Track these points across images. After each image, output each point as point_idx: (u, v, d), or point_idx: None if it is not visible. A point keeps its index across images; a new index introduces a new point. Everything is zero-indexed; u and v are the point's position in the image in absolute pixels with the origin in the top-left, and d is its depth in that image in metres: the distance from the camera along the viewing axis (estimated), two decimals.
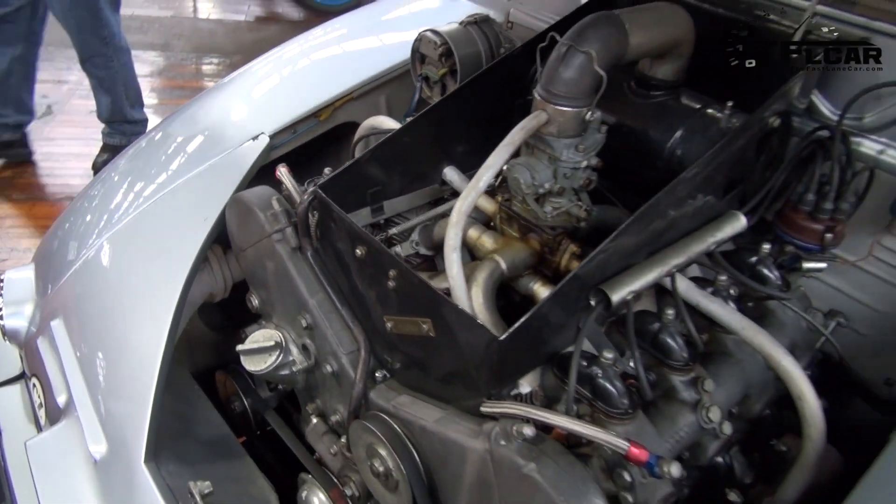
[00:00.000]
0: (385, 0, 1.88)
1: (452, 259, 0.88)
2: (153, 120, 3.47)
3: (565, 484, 0.71)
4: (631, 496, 0.78)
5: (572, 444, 0.82)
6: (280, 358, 1.07)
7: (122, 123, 3.04)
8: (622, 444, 0.73)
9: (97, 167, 2.91)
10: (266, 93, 1.47)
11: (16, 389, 1.24)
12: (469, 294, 0.90)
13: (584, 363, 0.82)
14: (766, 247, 1.02)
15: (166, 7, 5.00)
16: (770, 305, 1.03)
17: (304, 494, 1.05)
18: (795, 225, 1.04)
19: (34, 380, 1.16)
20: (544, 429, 0.80)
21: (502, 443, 0.76)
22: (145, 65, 4.11)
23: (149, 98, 3.72)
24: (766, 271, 1.01)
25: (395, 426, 0.90)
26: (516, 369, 0.84)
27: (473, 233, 1.05)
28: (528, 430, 0.74)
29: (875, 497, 0.72)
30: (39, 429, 1.15)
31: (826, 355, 1.11)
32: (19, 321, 1.24)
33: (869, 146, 1.07)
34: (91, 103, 3.50)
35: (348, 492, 1.03)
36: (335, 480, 1.05)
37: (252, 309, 1.19)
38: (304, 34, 1.64)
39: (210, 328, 1.49)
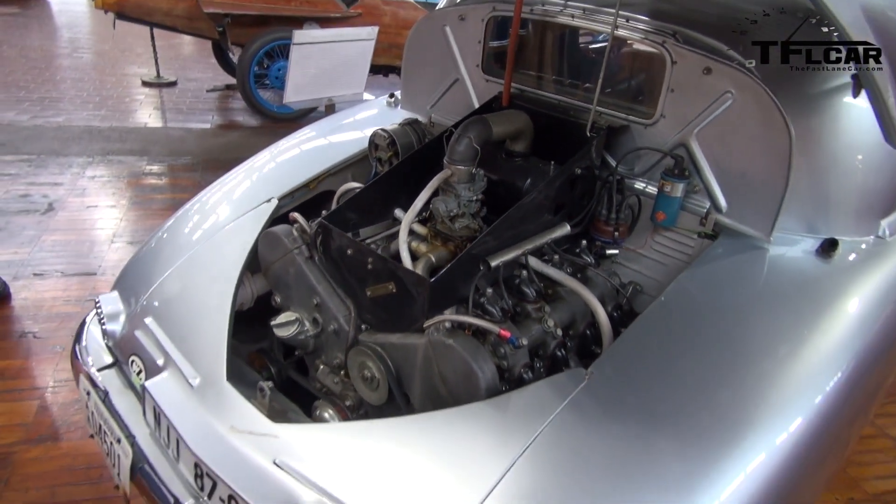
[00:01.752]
0: (342, 112, 2.67)
1: (403, 248, 1.60)
2: (136, 213, 4.11)
3: (469, 348, 1.39)
4: (505, 362, 1.46)
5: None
6: (298, 326, 1.72)
7: None
8: (495, 328, 1.42)
9: None
10: (273, 171, 2.18)
11: (111, 372, 1.83)
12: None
13: (478, 296, 1.52)
14: (584, 242, 1.78)
15: (140, 120, 5.73)
16: (589, 274, 1.77)
17: (317, 412, 1.68)
18: (599, 229, 1.81)
19: (133, 357, 1.76)
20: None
21: (435, 333, 1.44)
22: (126, 167, 4.77)
23: (136, 195, 4.37)
24: (584, 256, 1.77)
25: (376, 346, 1.57)
26: (442, 303, 1.53)
27: (415, 244, 1.77)
28: (448, 324, 1.43)
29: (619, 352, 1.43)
30: (134, 390, 1.74)
31: (630, 305, 1.85)
32: (115, 326, 1.85)
33: (638, 184, 1.86)
34: (87, 199, 4.14)
35: (347, 403, 1.67)
36: (337, 401, 1.69)
37: (275, 305, 1.85)
38: (292, 134, 2.39)
39: (236, 340, 2.10)
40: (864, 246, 1.68)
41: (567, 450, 1.25)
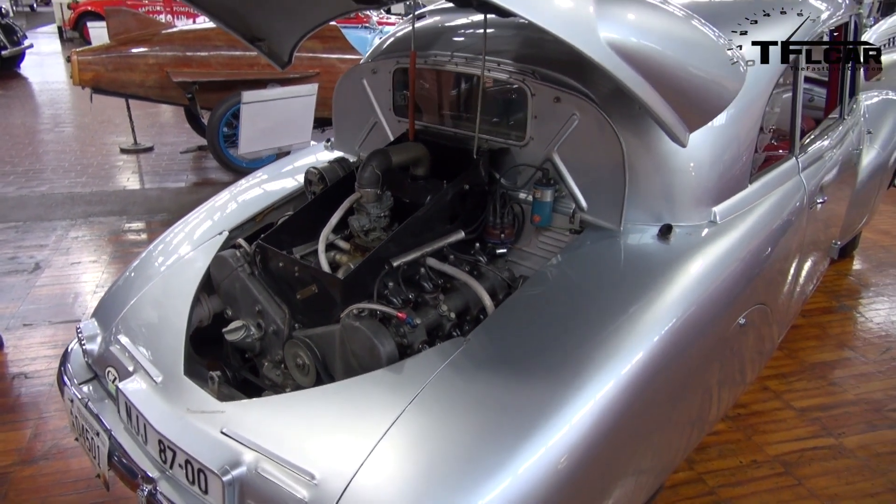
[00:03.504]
0: (289, 157, 3.08)
1: (322, 256, 1.98)
2: (117, 266, 4.46)
3: (371, 327, 1.76)
4: (406, 340, 1.82)
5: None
6: (245, 331, 2.08)
7: None
8: (394, 312, 1.79)
9: None
10: (224, 209, 2.57)
11: (91, 385, 2.17)
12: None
13: (383, 290, 1.89)
14: (477, 244, 2.17)
15: (120, 184, 6.14)
16: (482, 269, 2.14)
17: None
18: (489, 233, 2.20)
19: (109, 369, 2.10)
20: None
21: (347, 320, 1.80)
22: (106, 226, 5.15)
23: (116, 249, 4.74)
24: (477, 256, 2.15)
25: (305, 338, 1.93)
26: (354, 298, 1.89)
27: (339, 256, 2.15)
28: (356, 310, 1.80)
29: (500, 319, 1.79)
30: (110, 396, 2.07)
31: None
32: (93, 346, 2.19)
33: (521, 196, 2.26)
34: (71, 257, 4.50)
35: (287, 390, 2.01)
36: (280, 390, 2.04)
37: (227, 317, 2.21)
38: (247, 176, 2.79)
39: (196, 353, 2.45)
40: (699, 229, 2.07)
41: (446, 398, 1.60)
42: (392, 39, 2.68)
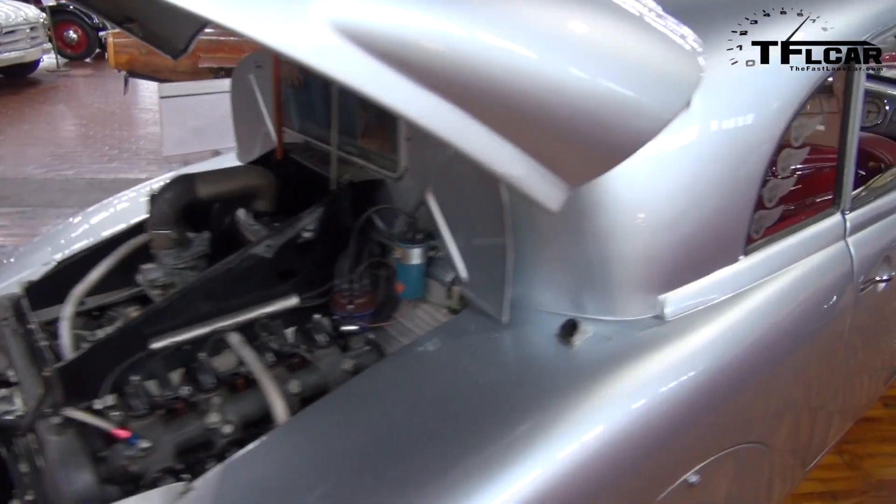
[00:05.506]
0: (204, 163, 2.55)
1: (64, 326, 1.41)
2: None
3: (64, 450, 1.18)
4: (134, 466, 1.22)
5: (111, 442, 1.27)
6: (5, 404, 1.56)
7: None
8: (107, 426, 1.20)
9: None
10: (73, 227, 2.08)
11: None
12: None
13: (126, 384, 1.30)
14: (316, 316, 1.52)
15: (143, 172, 5.96)
16: (318, 354, 1.49)
17: None
18: (334, 301, 1.54)
19: None
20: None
21: (45, 430, 1.23)
22: None
23: None
24: (314, 333, 1.50)
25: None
26: (86, 390, 1.31)
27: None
28: (54, 421, 1.22)
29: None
30: None
31: None
32: None
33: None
34: None
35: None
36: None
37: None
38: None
39: None
40: (630, 329, 1.31)
41: None
42: None
